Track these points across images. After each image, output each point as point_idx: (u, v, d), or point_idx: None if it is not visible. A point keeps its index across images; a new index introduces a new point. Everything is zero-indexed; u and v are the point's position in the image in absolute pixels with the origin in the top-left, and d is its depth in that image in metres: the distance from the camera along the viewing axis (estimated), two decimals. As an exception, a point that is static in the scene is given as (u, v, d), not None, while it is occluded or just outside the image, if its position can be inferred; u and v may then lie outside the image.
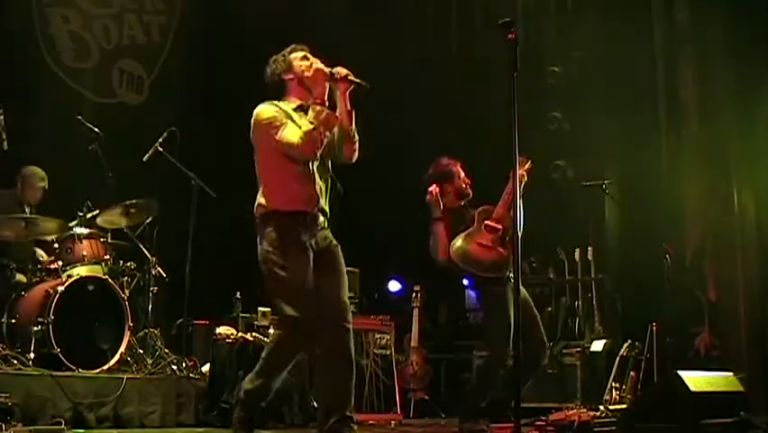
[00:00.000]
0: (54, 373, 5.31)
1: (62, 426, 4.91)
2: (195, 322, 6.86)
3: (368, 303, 7.61)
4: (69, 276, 5.89)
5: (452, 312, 8.53)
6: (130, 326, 5.89)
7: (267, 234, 4.11)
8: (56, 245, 6.13)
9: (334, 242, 4.26)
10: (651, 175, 7.24)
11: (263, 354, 4.24)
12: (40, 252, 6.27)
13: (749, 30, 6.79)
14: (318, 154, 4.10)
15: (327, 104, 4.10)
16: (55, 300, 5.60)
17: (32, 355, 5.48)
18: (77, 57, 8.37)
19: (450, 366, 7.98)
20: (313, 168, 4.17)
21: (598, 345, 6.95)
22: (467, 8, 8.88)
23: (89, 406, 5.30)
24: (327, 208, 4.27)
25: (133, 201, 6.35)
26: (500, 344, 5.27)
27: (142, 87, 8.72)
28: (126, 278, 6.35)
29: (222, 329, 6.26)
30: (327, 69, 4.15)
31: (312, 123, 4.02)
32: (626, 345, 6.59)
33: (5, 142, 5.68)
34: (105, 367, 5.67)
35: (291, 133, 4.04)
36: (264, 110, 4.15)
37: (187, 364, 6.07)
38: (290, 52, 4.29)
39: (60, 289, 5.66)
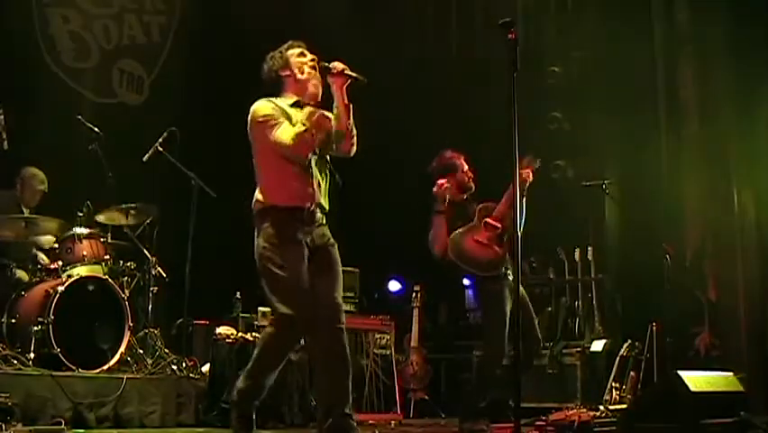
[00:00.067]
0: (54, 373, 5.31)
1: (62, 426, 4.92)
2: (195, 322, 6.86)
3: (368, 303, 7.62)
4: (69, 276, 5.89)
5: (452, 312, 8.53)
6: (130, 326, 5.89)
7: (263, 230, 4.11)
8: (56, 245, 6.13)
9: (332, 240, 4.25)
10: (651, 175, 7.24)
11: (255, 353, 4.24)
12: (41, 255, 6.27)
13: (749, 30, 6.79)
14: (309, 155, 4.11)
15: (320, 99, 4.10)
16: (55, 300, 5.60)
17: (32, 355, 5.48)
18: (77, 57, 8.37)
19: (450, 366, 7.99)
20: (311, 163, 4.17)
21: (598, 345, 6.95)
22: (467, 8, 8.88)
23: (89, 406, 5.30)
24: (326, 204, 4.27)
25: (132, 205, 6.37)
26: (497, 341, 5.29)
27: (142, 87, 8.72)
28: (126, 278, 6.36)
29: (222, 329, 6.26)
30: (324, 64, 4.16)
31: (304, 124, 4.03)
32: (626, 345, 6.59)
33: (5, 142, 5.68)
34: (105, 367, 5.67)
35: (284, 134, 4.04)
36: (260, 107, 4.16)
37: (187, 364, 6.07)
38: (287, 49, 4.30)
39: (60, 289, 5.66)
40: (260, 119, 4.11)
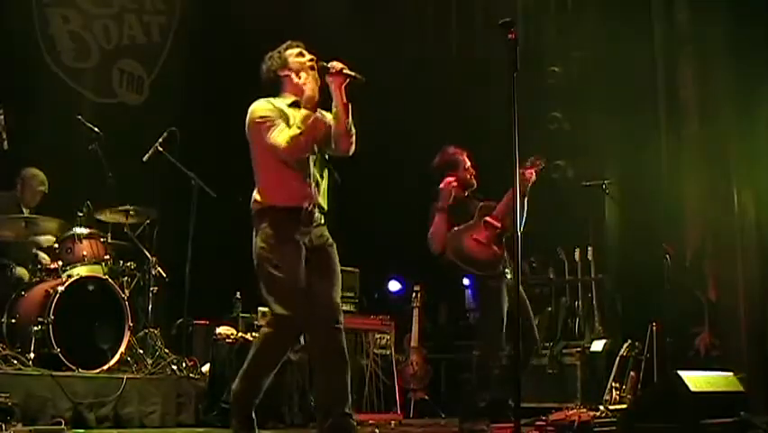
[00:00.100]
0: (54, 373, 5.31)
1: (62, 426, 4.92)
2: (195, 322, 6.86)
3: (368, 303, 7.62)
4: (69, 276, 5.89)
5: (452, 312, 8.52)
6: (130, 326, 5.89)
7: (261, 230, 4.12)
8: (56, 245, 6.13)
9: (330, 240, 4.25)
10: (651, 175, 7.24)
11: (250, 354, 4.23)
12: (42, 254, 6.27)
13: (749, 30, 6.79)
14: (305, 155, 4.12)
15: (319, 99, 4.10)
16: (55, 300, 5.60)
17: (32, 355, 5.48)
18: (77, 57, 8.37)
19: (450, 366, 7.98)
20: (309, 163, 4.17)
21: (598, 345, 6.95)
22: (467, 8, 8.88)
23: (89, 406, 5.30)
24: (325, 204, 4.27)
25: (131, 208, 6.37)
26: (494, 340, 5.30)
27: (142, 87, 8.72)
28: (126, 278, 6.36)
29: (222, 329, 6.26)
30: (322, 64, 4.16)
31: (299, 127, 4.04)
32: (626, 345, 6.59)
33: (5, 142, 5.68)
34: (105, 367, 5.67)
35: (278, 136, 4.05)
36: (258, 108, 4.17)
37: (187, 364, 6.07)
38: (286, 49, 4.30)
39: (60, 289, 5.66)
40: (258, 120, 4.12)
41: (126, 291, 6.20)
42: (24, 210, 6.49)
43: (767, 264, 6.67)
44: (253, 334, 6.20)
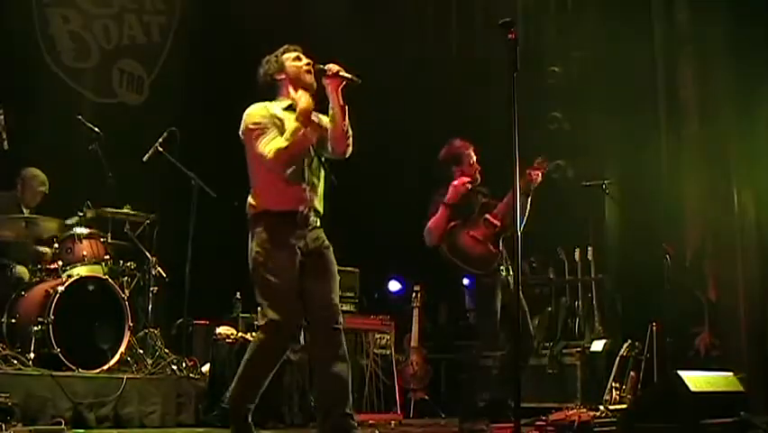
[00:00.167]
0: (54, 373, 5.31)
1: (62, 426, 4.92)
2: (195, 322, 6.87)
3: (368, 303, 7.61)
4: (69, 276, 5.89)
5: (452, 312, 8.52)
6: (130, 326, 5.89)
7: (256, 235, 4.14)
8: (56, 245, 6.13)
9: (326, 242, 4.25)
10: (651, 175, 7.24)
11: (245, 359, 4.24)
12: (41, 248, 6.26)
13: (749, 30, 6.79)
14: (303, 158, 4.14)
15: (311, 112, 4.11)
16: (55, 300, 5.60)
17: (32, 355, 5.48)
18: (77, 57, 8.37)
19: (450, 366, 7.98)
20: (304, 167, 4.18)
21: (598, 345, 6.95)
22: (467, 8, 8.88)
23: (89, 406, 5.30)
24: (321, 207, 4.27)
25: (131, 212, 6.38)
26: (488, 337, 5.31)
27: (142, 87, 8.72)
28: (126, 278, 6.36)
29: (222, 329, 6.27)
30: (319, 67, 4.17)
31: (287, 140, 4.05)
32: (626, 345, 6.59)
33: (5, 142, 5.68)
34: (105, 367, 5.67)
35: (266, 146, 4.06)
36: (252, 114, 4.18)
37: (187, 364, 6.07)
38: (283, 53, 4.31)
39: (60, 289, 5.66)
40: (251, 126, 4.14)
41: (126, 291, 6.20)
42: (24, 210, 6.49)
43: (767, 264, 6.67)
44: (253, 334, 6.19)
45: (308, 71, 4.24)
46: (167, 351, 6.17)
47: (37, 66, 8.05)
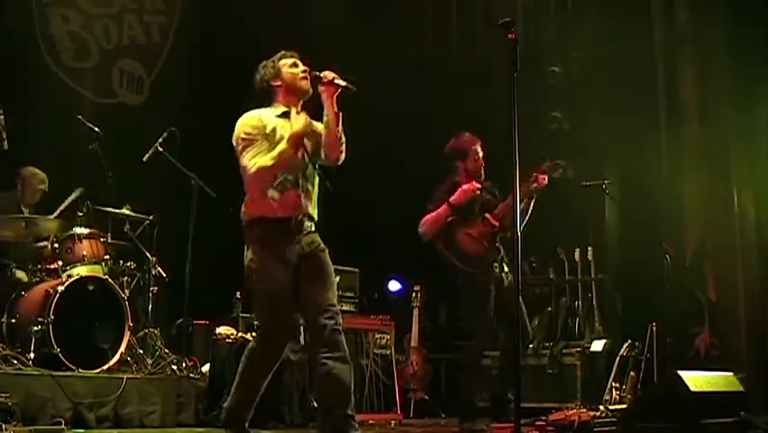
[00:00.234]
0: (54, 373, 5.30)
1: (62, 426, 4.92)
2: (195, 322, 6.87)
3: (368, 303, 7.61)
4: (69, 276, 5.89)
5: (452, 312, 8.52)
6: (130, 326, 5.89)
7: (250, 242, 4.18)
8: (56, 245, 6.13)
9: (322, 245, 4.26)
10: (651, 175, 7.24)
11: (240, 369, 4.28)
12: (40, 243, 6.26)
13: (749, 30, 6.79)
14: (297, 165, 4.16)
15: (302, 137, 4.13)
16: (55, 300, 5.59)
17: (32, 355, 5.47)
18: (77, 57, 8.37)
19: (450, 366, 7.98)
20: (298, 174, 4.19)
21: (598, 345, 6.95)
22: (467, 8, 8.88)
23: (89, 406, 5.30)
24: (315, 213, 4.29)
25: (131, 212, 6.40)
26: (480, 334, 5.33)
27: (142, 87, 8.72)
28: (126, 278, 6.36)
29: (222, 329, 6.27)
30: (315, 74, 4.19)
31: (273, 159, 4.07)
32: (626, 345, 6.59)
33: (5, 142, 5.67)
34: (105, 367, 5.67)
35: (252, 159, 4.09)
36: (243, 123, 4.20)
37: (187, 364, 6.07)
38: (279, 59, 4.32)
39: (60, 289, 5.66)
40: (241, 136, 4.16)
41: (126, 291, 6.20)
42: (24, 210, 6.50)
43: (767, 264, 6.67)
44: (253, 334, 6.20)
45: (304, 78, 4.25)
46: (167, 351, 6.17)
47: (37, 66, 8.05)
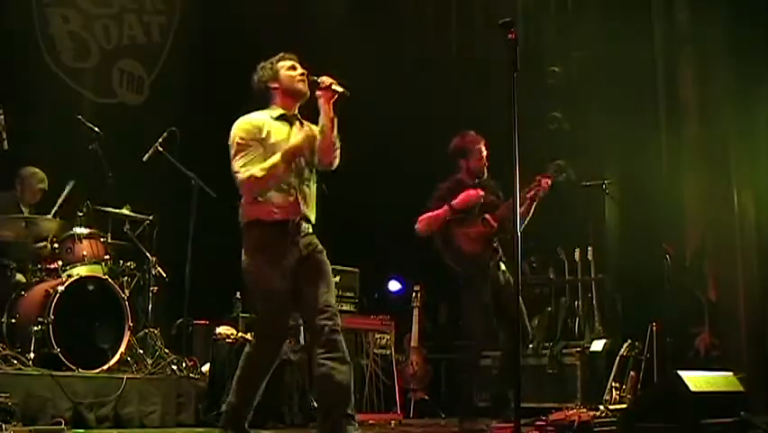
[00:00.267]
0: (54, 373, 5.30)
1: (62, 426, 4.91)
2: (195, 322, 6.87)
3: (368, 303, 7.61)
4: (69, 276, 5.89)
5: (452, 312, 8.52)
6: (130, 326, 5.89)
7: (248, 245, 4.19)
8: (56, 245, 6.13)
9: (319, 247, 4.27)
10: (651, 175, 7.24)
11: (239, 365, 4.30)
12: (40, 244, 6.27)
13: (749, 30, 6.79)
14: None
15: (298, 151, 4.14)
16: (55, 300, 5.59)
17: (32, 355, 5.47)
18: (77, 57, 8.37)
19: (450, 366, 7.98)
20: (293, 177, 4.20)
21: (598, 345, 6.95)
22: (467, 8, 8.88)
23: (89, 406, 5.30)
24: (313, 216, 4.29)
25: (131, 212, 6.40)
26: (476, 332, 5.34)
27: (142, 87, 8.72)
28: (126, 278, 6.36)
29: (222, 329, 6.27)
30: (313, 78, 4.21)
31: (263, 170, 4.08)
32: (626, 345, 6.59)
33: (5, 142, 5.67)
34: (105, 367, 5.67)
35: (243, 167, 4.10)
36: (239, 127, 4.21)
37: (187, 364, 6.07)
38: (278, 60, 4.32)
39: (60, 289, 5.66)
40: (236, 140, 4.17)
41: (126, 291, 6.20)
42: (24, 209, 6.50)
43: (767, 264, 6.67)
44: (253, 334, 6.21)
45: (302, 81, 4.26)
46: (167, 351, 6.17)
47: (37, 66, 8.05)
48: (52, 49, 8.24)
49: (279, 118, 4.25)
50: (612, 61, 7.53)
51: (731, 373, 5.16)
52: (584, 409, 5.49)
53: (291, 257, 4.14)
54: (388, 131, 8.13)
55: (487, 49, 8.00)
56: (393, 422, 6.49)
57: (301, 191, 4.21)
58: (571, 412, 5.30)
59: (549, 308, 7.64)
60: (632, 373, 6.46)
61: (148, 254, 6.50)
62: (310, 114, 4.30)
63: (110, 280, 5.97)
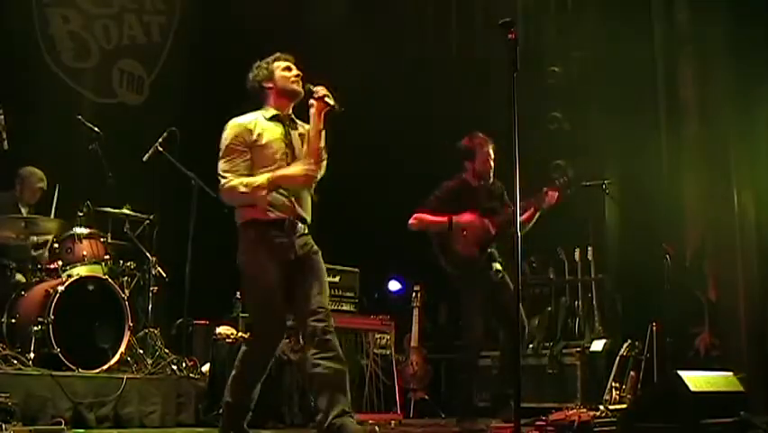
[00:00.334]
0: (54, 373, 5.31)
1: (62, 426, 4.91)
2: (195, 322, 6.86)
3: (368, 303, 7.61)
4: (69, 276, 5.89)
5: (452, 312, 8.52)
6: (130, 326, 5.89)
7: (244, 244, 4.20)
8: (56, 245, 6.13)
9: (315, 247, 4.29)
10: (651, 175, 7.23)
11: (234, 369, 4.30)
12: (39, 252, 6.27)
13: (749, 30, 6.78)
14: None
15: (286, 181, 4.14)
16: (55, 300, 5.60)
17: (32, 355, 5.48)
18: (77, 57, 8.37)
19: (450, 366, 7.98)
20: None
21: (598, 345, 6.95)
22: (467, 8, 8.88)
23: (89, 406, 5.30)
24: (308, 217, 4.30)
25: (131, 212, 6.41)
26: (471, 336, 5.34)
27: (142, 87, 8.72)
28: (126, 278, 6.36)
29: (222, 329, 6.26)
30: (309, 86, 4.22)
31: (246, 187, 4.08)
32: (626, 345, 6.58)
33: (5, 142, 5.68)
34: (105, 367, 5.67)
35: (228, 173, 4.13)
36: (229, 131, 4.22)
37: (187, 364, 6.07)
38: (273, 60, 4.32)
39: (60, 289, 5.66)
40: (226, 144, 4.19)
41: (126, 291, 6.20)
42: (23, 209, 6.50)
43: (767, 264, 6.67)
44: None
45: (296, 82, 4.27)
46: (167, 351, 6.17)
47: (37, 66, 8.06)
48: (52, 49, 8.25)
49: (273, 119, 4.26)
50: (612, 61, 7.52)
51: (731, 373, 5.16)
52: (584, 409, 5.49)
53: (287, 257, 4.15)
54: (388, 131, 8.12)
55: (487, 49, 8.00)
56: (393, 422, 6.48)
57: (296, 194, 4.22)
58: (571, 412, 5.30)
59: (549, 308, 7.64)
60: (632, 373, 6.46)
61: (148, 254, 6.50)
62: (306, 114, 4.29)
63: (110, 280, 5.97)
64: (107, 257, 6.18)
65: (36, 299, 5.75)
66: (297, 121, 4.36)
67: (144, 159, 6.44)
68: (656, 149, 7.34)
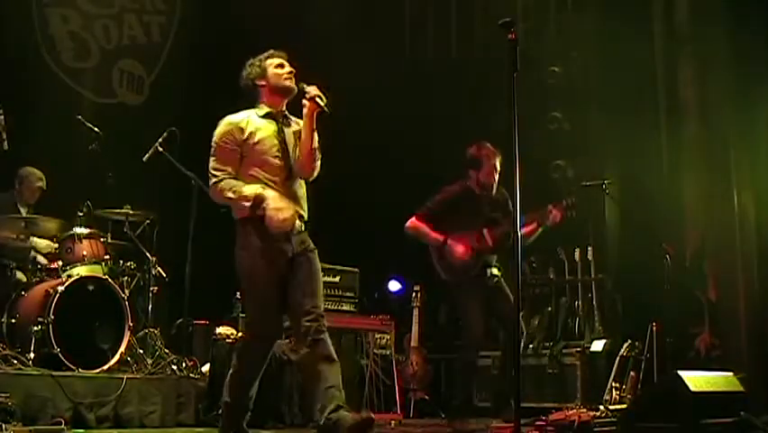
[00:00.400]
0: (54, 373, 5.31)
1: (62, 426, 4.91)
2: (195, 322, 6.86)
3: (368, 303, 7.61)
4: (69, 276, 5.89)
5: (452, 312, 8.50)
6: (130, 326, 5.89)
7: (241, 241, 4.20)
8: (56, 245, 6.13)
9: (311, 246, 4.29)
10: (651, 175, 7.23)
11: (231, 369, 4.30)
12: (39, 257, 6.27)
13: (749, 30, 6.78)
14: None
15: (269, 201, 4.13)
16: (55, 300, 5.60)
17: (32, 355, 5.48)
18: (77, 57, 8.38)
19: (450, 366, 7.97)
20: (283, 179, 4.22)
21: (598, 345, 6.95)
22: (467, 8, 8.88)
23: (89, 406, 5.30)
24: (305, 213, 4.30)
25: (131, 212, 6.40)
26: (470, 339, 5.35)
27: (142, 87, 8.72)
28: (126, 278, 6.36)
29: (222, 329, 6.26)
30: (302, 86, 4.22)
31: (234, 193, 4.10)
32: (626, 345, 6.59)
33: (5, 142, 5.68)
34: (105, 367, 5.67)
35: (217, 171, 4.19)
36: (220, 129, 4.26)
37: (187, 364, 6.07)
38: (266, 58, 4.32)
39: (60, 289, 5.66)
40: (218, 141, 4.24)
41: (126, 291, 6.20)
42: (23, 209, 6.50)
43: (767, 264, 6.67)
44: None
45: (289, 79, 4.27)
46: (167, 351, 6.17)
47: (37, 66, 8.07)
48: (52, 49, 8.25)
49: (266, 116, 4.26)
50: (612, 61, 7.52)
51: (731, 373, 5.16)
52: (584, 409, 5.49)
53: (284, 254, 4.15)
54: (388, 131, 8.12)
55: (487, 49, 8.00)
56: (393, 422, 6.48)
57: (291, 192, 4.23)
58: (571, 412, 5.30)
59: (549, 308, 7.64)
60: (632, 373, 6.46)
61: (148, 254, 6.50)
62: (301, 111, 4.30)
63: (110, 280, 5.98)
64: (107, 257, 6.19)
65: (36, 298, 5.76)
66: (292, 118, 4.35)
67: (144, 159, 6.43)
68: (656, 149, 7.34)
